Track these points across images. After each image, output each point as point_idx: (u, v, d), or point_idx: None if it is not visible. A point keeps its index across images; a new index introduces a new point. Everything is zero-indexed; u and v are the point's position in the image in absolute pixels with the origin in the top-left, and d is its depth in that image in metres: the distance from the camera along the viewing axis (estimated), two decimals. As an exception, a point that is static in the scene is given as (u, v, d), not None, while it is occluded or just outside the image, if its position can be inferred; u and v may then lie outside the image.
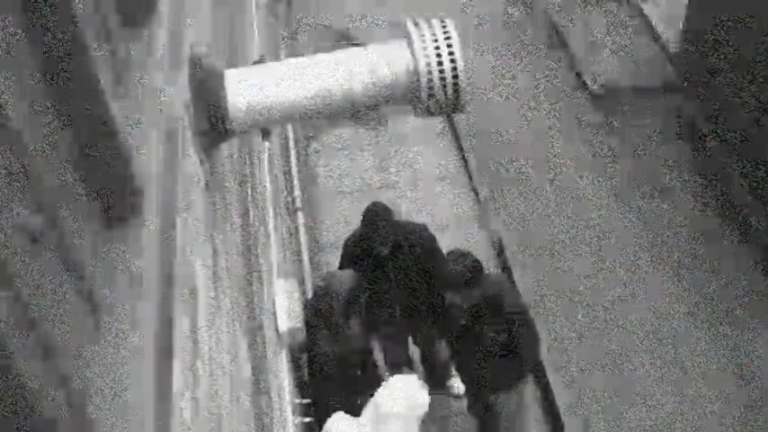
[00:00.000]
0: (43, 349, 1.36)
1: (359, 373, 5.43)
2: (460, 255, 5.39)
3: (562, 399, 6.85)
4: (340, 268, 6.01)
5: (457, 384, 6.64)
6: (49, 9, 1.63)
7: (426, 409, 4.74)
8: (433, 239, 6.04)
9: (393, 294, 6.02)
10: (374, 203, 5.94)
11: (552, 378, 6.95)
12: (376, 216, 5.77)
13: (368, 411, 4.77)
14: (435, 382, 7.01)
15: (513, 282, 7.49)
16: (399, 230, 5.83)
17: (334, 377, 5.28)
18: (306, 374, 5.62)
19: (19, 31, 1.52)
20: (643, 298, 7.61)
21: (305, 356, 5.63)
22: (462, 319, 5.49)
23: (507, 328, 5.41)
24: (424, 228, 6.10)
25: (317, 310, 5.43)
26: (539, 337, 5.72)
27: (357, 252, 5.92)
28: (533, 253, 8.01)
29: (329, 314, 5.34)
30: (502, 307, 5.38)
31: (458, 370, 6.15)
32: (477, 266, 5.31)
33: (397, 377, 5.03)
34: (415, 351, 6.79)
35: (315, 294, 5.85)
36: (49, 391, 1.36)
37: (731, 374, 7.00)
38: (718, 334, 7.26)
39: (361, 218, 5.87)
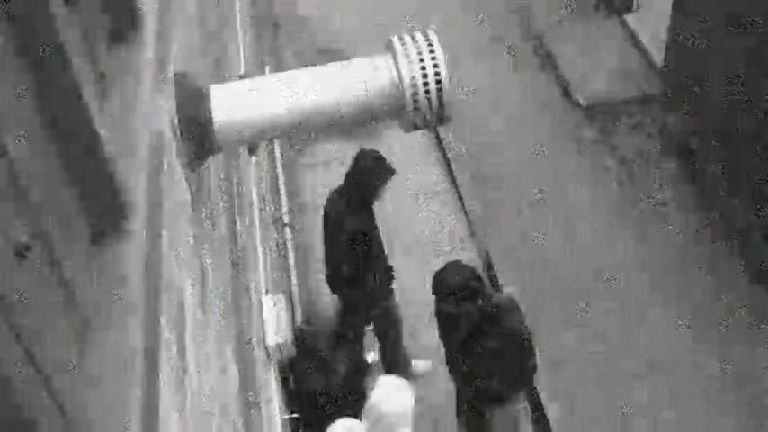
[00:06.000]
0: (32, 364, 1.37)
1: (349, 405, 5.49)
2: (461, 266, 5.41)
3: (559, 421, 6.78)
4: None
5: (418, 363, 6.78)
6: (35, 26, 1.64)
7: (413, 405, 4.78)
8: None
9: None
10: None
11: (548, 400, 6.88)
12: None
13: (367, 414, 4.79)
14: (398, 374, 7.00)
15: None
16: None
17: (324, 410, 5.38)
18: (293, 388, 5.65)
19: (5, 47, 1.53)
20: (640, 317, 7.55)
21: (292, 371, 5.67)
22: (464, 330, 5.52)
23: (509, 341, 5.44)
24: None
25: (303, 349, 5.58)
26: (536, 354, 5.75)
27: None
28: (525, 270, 7.97)
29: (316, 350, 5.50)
30: (504, 322, 5.41)
31: (459, 379, 6.15)
32: (474, 280, 5.31)
33: (386, 378, 5.03)
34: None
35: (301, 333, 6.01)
36: (38, 404, 1.36)
37: (734, 394, 6.87)
38: (717, 352, 7.15)
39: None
